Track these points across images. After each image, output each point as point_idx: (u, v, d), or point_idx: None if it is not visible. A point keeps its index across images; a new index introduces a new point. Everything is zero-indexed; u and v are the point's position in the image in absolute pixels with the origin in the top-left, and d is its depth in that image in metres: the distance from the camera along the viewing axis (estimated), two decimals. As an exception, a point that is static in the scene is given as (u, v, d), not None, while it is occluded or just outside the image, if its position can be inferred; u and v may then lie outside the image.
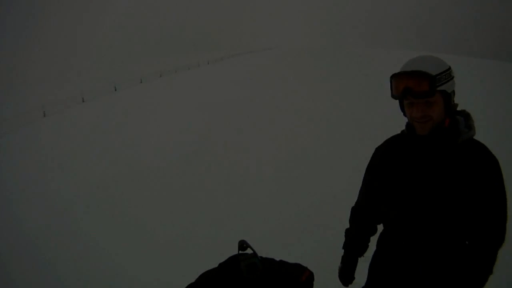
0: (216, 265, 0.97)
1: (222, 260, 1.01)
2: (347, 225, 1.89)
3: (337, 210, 4.77)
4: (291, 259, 1.25)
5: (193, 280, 0.99)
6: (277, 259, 0.97)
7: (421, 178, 1.44)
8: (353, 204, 1.89)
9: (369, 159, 1.76)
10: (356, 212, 1.83)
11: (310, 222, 4.95)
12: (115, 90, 22.48)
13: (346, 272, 1.75)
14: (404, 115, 1.52)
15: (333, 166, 7.12)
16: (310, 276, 0.93)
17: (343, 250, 1.82)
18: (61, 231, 5.34)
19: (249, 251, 0.92)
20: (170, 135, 10.46)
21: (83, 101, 19.06)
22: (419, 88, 1.33)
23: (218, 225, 5.08)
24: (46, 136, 12.49)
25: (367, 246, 1.84)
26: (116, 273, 4.16)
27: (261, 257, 0.92)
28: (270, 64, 30.74)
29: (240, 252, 0.91)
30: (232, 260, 0.90)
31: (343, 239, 1.86)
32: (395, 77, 1.43)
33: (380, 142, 1.74)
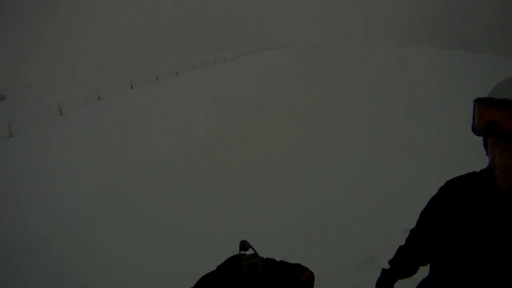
0: (216, 267, 0.96)
1: (223, 259, 0.97)
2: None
3: (339, 213, 5.07)
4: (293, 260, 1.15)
5: (192, 284, 0.95)
6: (278, 259, 0.96)
7: (498, 242, 1.05)
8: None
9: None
10: (404, 255, 1.50)
11: (316, 224, 4.81)
12: (131, 88, 22.49)
13: (385, 283, 1.55)
14: (486, 154, 1.10)
15: (340, 168, 6.88)
16: (311, 276, 0.90)
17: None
18: (71, 225, 5.46)
19: (250, 251, 0.93)
20: (183, 132, 10.37)
21: (99, 99, 19.08)
22: (509, 126, 0.93)
23: (220, 224, 5.08)
24: (61, 132, 12.54)
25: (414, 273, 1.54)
26: (121, 270, 4.18)
27: (261, 257, 0.92)
28: (284, 61, 30.51)
29: (241, 252, 0.90)
30: (233, 260, 0.90)
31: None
32: (478, 104, 1.02)
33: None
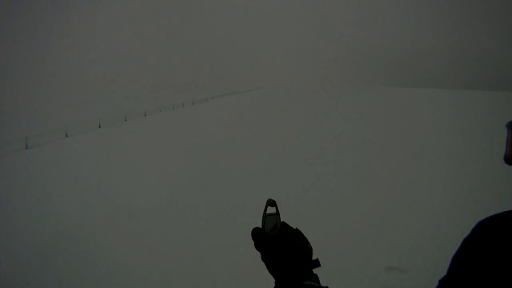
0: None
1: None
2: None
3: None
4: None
5: None
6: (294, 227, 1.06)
7: None
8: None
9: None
10: None
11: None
12: (99, 127, 22.88)
13: None
14: None
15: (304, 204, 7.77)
16: (311, 248, 0.99)
17: None
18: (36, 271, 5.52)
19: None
20: (151, 176, 10.95)
21: (66, 136, 19.33)
22: None
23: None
24: (26, 168, 12.61)
25: None
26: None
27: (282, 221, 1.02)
28: (251, 103, 32.27)
29: (267, 208, 0.97)
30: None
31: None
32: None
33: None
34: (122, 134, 20.03)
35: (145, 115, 29.30)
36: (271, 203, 0.95)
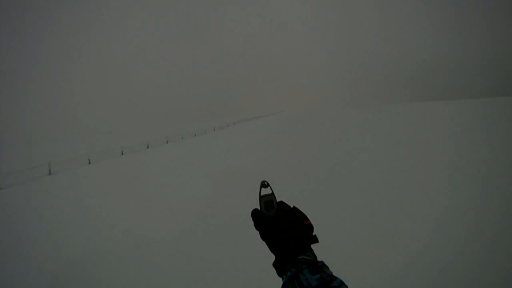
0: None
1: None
2: None
3: None
4: None
5: None
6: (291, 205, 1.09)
7: None
8: None
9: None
10: None
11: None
12: (122, 154, 23.04)
13: None
14: None
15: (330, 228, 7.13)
16: (311, 225, 1.03)
17: None
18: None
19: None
20: (172, 205, 10.55)
21: (89, 163, 19.45)
22: None
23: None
24: (48, 194, 12.62)
25: None
26: None
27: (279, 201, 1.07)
28: (274, 127, 31.95)
29: (261, 190, 1.02)
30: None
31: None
32: None
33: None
34: (143, 161, 19.98)
35: (167, 142, 29.48)
36: (264, 184, 1.02)
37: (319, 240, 0.99)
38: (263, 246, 1.04)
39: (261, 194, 1.01)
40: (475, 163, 13.74)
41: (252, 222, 1.02)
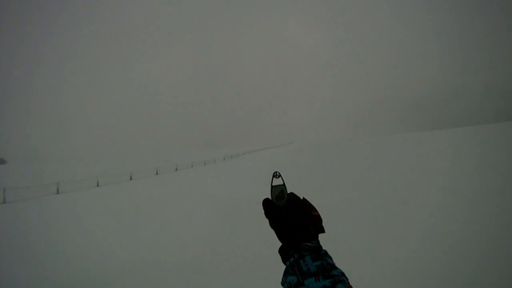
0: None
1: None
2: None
3: None
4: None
5: None
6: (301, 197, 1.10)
7: None
8: None
9: None
10: None
11: None
12: (131, 179, 22.91)
13: None
14: None
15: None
16: (319, 216, 1.03)
17: None
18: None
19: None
20: (177, 233, 10.18)
21: (97, 185, 19.30)
22: None
23: None
24: (55, 212, 12.42)
25: None
26: None
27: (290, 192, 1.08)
28: (284, 159, 31.69)
29: (273, 180, 1.05)
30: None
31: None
32: None
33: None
34: (151, 187, 19.74)
35: (176, 170, 29.34)
36: (275, 175, 1.06)
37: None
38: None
39: (273, 184, 1.04)
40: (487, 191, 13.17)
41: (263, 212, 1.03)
